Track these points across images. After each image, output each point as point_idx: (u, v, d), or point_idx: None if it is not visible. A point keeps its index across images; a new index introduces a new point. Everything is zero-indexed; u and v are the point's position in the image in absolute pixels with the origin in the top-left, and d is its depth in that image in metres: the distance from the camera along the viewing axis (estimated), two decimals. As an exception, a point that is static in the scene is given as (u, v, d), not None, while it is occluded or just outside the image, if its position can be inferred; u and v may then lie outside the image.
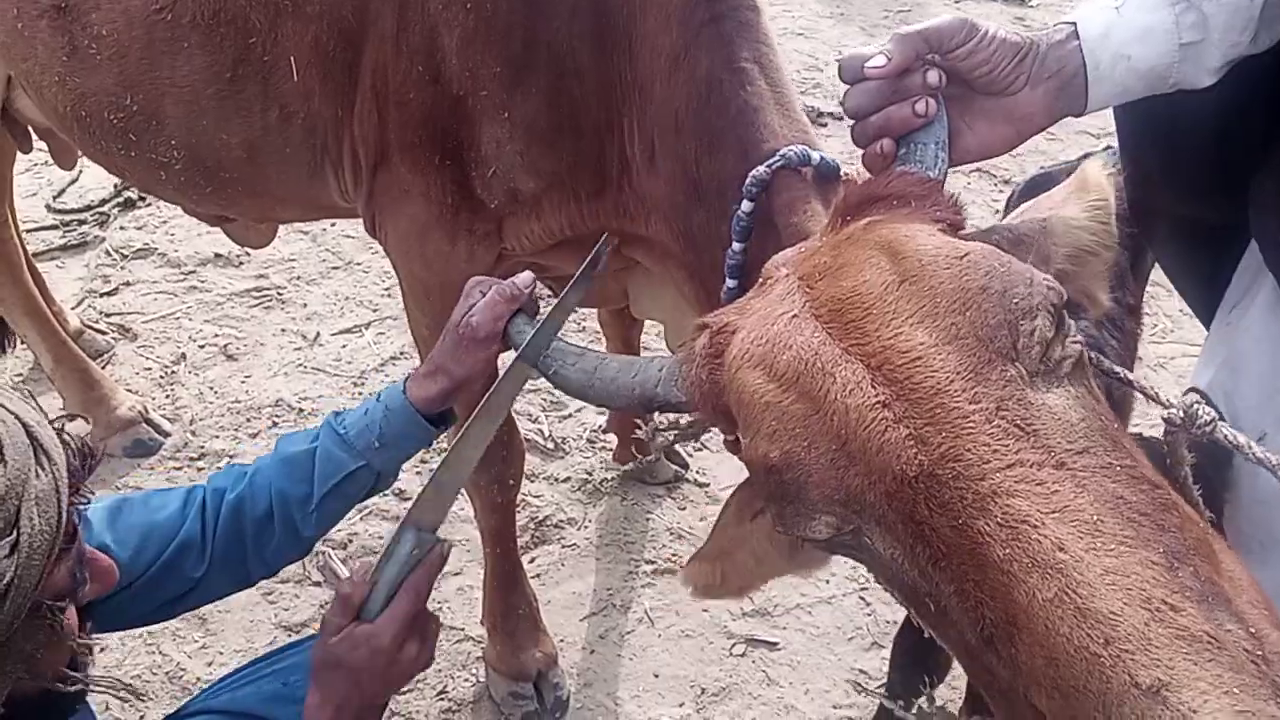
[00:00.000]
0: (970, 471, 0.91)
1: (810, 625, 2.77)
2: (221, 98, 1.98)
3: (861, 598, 2.84)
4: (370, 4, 1.82)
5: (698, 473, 3.15)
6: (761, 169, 1.49)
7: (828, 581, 2.84)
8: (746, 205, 1.52)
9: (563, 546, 2.97)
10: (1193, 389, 1.33)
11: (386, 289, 3.95)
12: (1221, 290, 1.54)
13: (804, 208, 1.47)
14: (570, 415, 3.35)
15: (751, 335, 1.12)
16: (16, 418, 1.16)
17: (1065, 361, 1.00)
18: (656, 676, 2.65)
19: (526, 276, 1.42)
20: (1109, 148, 2.34)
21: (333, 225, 4.22)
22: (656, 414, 1.47)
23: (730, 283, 1.62)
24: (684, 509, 3.06)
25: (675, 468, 3.12)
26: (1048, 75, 1.25)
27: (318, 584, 2.86)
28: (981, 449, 0.92)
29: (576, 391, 1.38)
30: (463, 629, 2.76)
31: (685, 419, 1.47)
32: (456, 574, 2.89)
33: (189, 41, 1.94)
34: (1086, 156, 2.16)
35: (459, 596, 2.84)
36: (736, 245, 1.56)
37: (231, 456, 3.24)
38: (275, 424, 3.37)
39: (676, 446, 3.17)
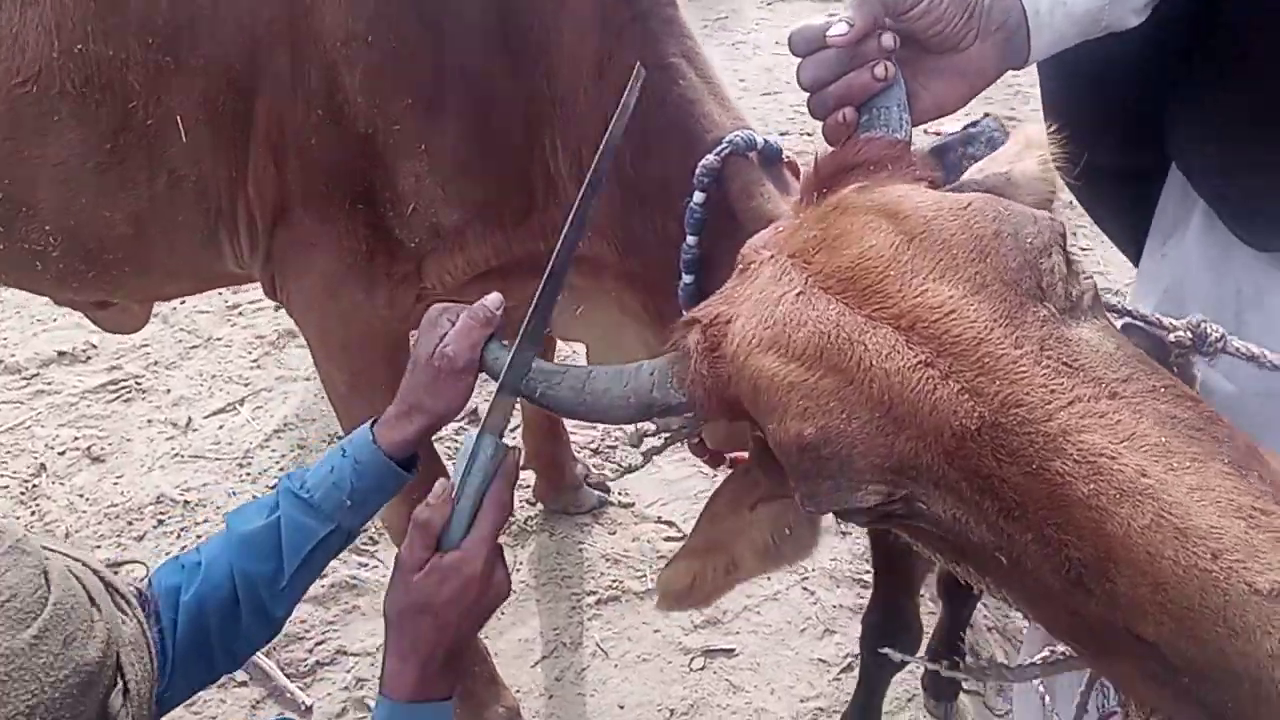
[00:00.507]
0: (1035, 415, 0.91)
1: (762, 625, 2.77)
2: (102, 171, 1.82)
3: (804, 588, 2.86)
4: (259, 49, 1.72)
5: (621, 494, 3.12)
6: (711, 158, 1.48)
7: (769, 579, 2.85)
8: (699, 196, 1.51)
9: (498, 594, 2.87)
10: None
11: (255, 361, 3.76)
12: (1145, 227, 1.64)
13: (760, 191, 1.48)
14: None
15: (754, 320, 1.10)
16: (86, 565, 1.07)
17: (1085, 296, 1.02)
18: (622, 708, 2.59)
19: (496, 298, 1.36)
20: (987, 115, 2.46)
21: (183, 303, 3.99)
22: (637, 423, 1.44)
23: (686, 279, 1.60)
24: (614, 533, 3.02)
25: (598, 494, 3.08)
26: (994, 28, 1.28)
27: (243, 684, 2.66)
28: (1040, 390, 0.93)
29: (568, 410, 1.32)
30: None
31: (673, 423, 1.44)
32: (393, 642, 2.75)
33: (59, 114, 1.78)
34: (971, 126, 2.27)
35: (401, 664, 2.69)
36: (690, 239, 1.55)
37: (118, 565, 2.99)
38: (161, 522, 3.13)
39: (594, 472, 3.14)
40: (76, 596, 1.03)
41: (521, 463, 1.65)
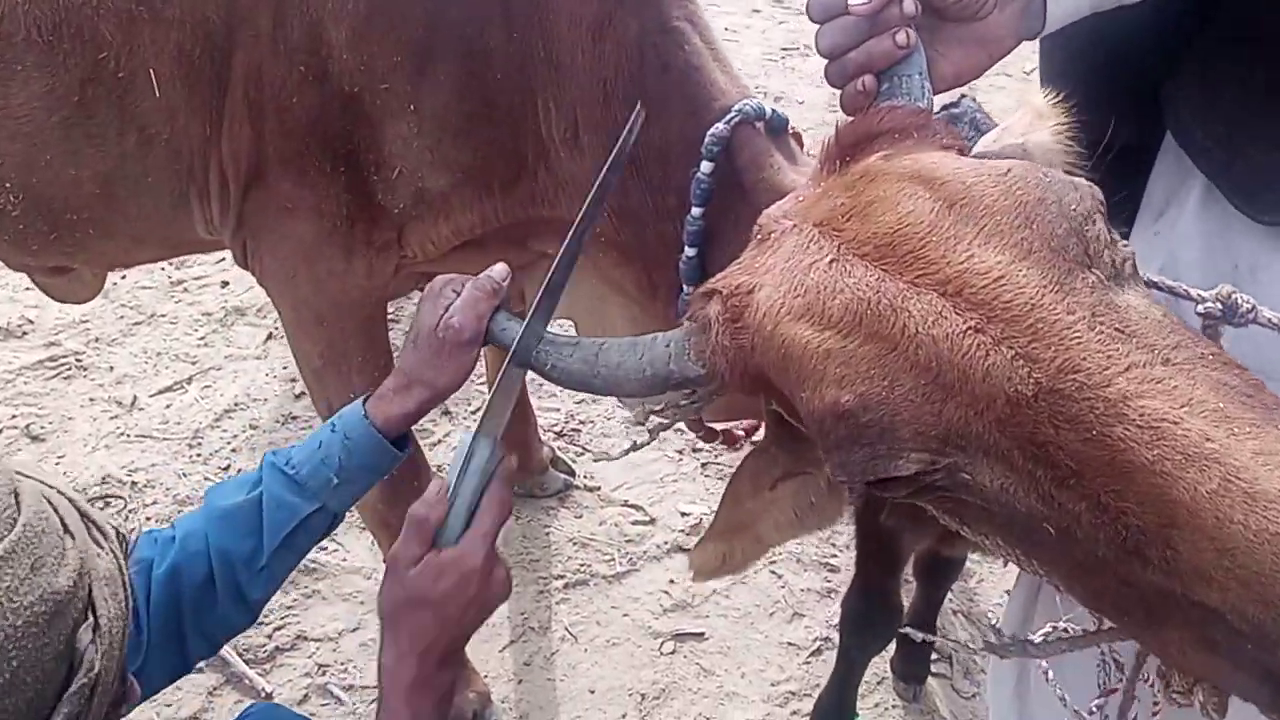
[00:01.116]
0: (1094, 380, 0.90)
1: (731, 609, 2.75)
2: (68, 126, 1.71)
3: (773, 571, 2.85)
4: (240, 2, 1.63)
5: (586, 478, 3.07)
6: (721, 126, 1.44)
7: (738, 564, 2.83)
8: (707, 166, 1.47)
9: (463, 578, 2.80)
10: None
11: (202, 338, 3.63)
12: (1134, 203, 1.64)
13: (769, 161, 1.44)
14: (440, 441, 3.18)
15: (782, 289, 1.07)
16: (62, 494, 1.00)
17: (1126, 264, 1.01)
18: (592, 692, 2.55)
19: (502, 268, 1.31)
20: (964, 95, 2.46)
21: (124, 278, 3.82)
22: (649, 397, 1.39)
23: (689, 252, 1.56)
24: (580, 517, 2.97)
25: (564, 477, 3.02)
26: None
27: (200, 669, 2.55)
28: (1096, 356, 0.91)
29: (579, 383, 1.27)
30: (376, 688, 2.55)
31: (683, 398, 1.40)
32: (354, 630, 2.67)
33: (24, 63, 1.66)
34: (951, 107, 2.26)
35: (363, 653, 2.62)
36: (696, 210, 1.51)
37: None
38: (107, 503, 3.00)
39: (560, 455, 3.08)
40: (48, 520, 0.96)
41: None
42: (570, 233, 1.28)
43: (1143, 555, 0.87)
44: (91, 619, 0.96)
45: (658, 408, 1.44)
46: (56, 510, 1.00)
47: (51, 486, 1.01)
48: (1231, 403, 0.89)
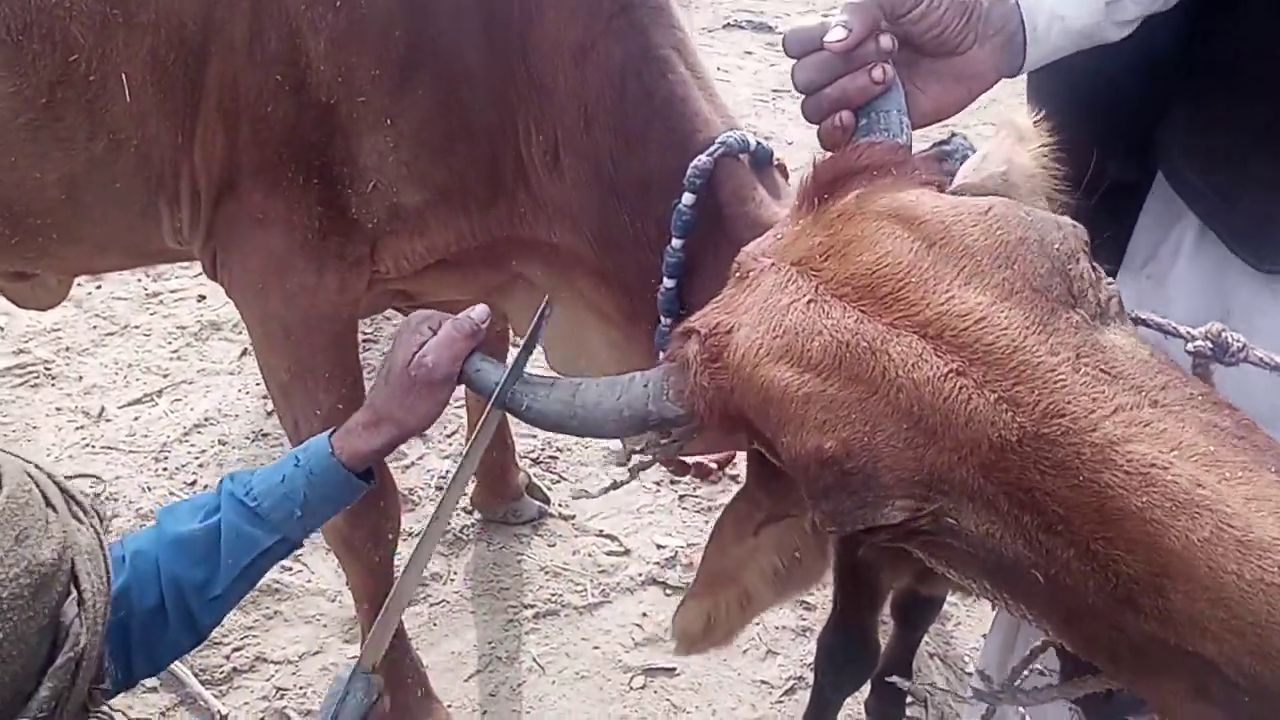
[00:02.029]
0: (1080, 425, 0.86)
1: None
2: (35, 128, 1.66)
3: (748, 609, 2.79)
4: (216, 9, 1.59)
5: (561, 506, 3.02)
6: (704, 158, 1.41)
7: (712, 598, 2.78)
8: (689, 198, 1.44)
9: (431, 605, 2.74)
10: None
11: (175, 351, 3.57)
12: (1122, 244, 1.61)
13: (753, 195, 1.41)
14: (413, 464, 3.12)
15: (761, 329, 1.04)
16: (42, 470, 1.02)
17: (1111, 302, 0.98)
18: (558, 726, 2.49)
19: (482, 310, 1.27)
20: (954, 134, 2.44)
21: (98, 288, 3.78)
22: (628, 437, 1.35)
23: (668, 283, 1.53)
24: (554, 546, 2.91)
25: (538, 504, 2.97)
26: (992, 32, 1.26)
27: (154, 689, 2.48)
28: (1082, 399, 0.88)
29: (555, 425, 1.23)
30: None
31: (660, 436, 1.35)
32: (315, 653, 2.60)
33: (-9, 63, 1.61)
34: (943, 144, 2.24)
35: (324, 677, 2.54)
36: (676, 241, 1.48)
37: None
38: (68, 514, 2.92)
39: (535, 481, 3.03)
40: (31, 494, 0.96)
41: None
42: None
43: (1134, 604, 0.85)
44: (75, 593, 0.97)
45: (638, 447, 1.40)
46: (38, 484, 1.01)
47: (30, 462, 1.02)
48: (1222, 445, 0.86)
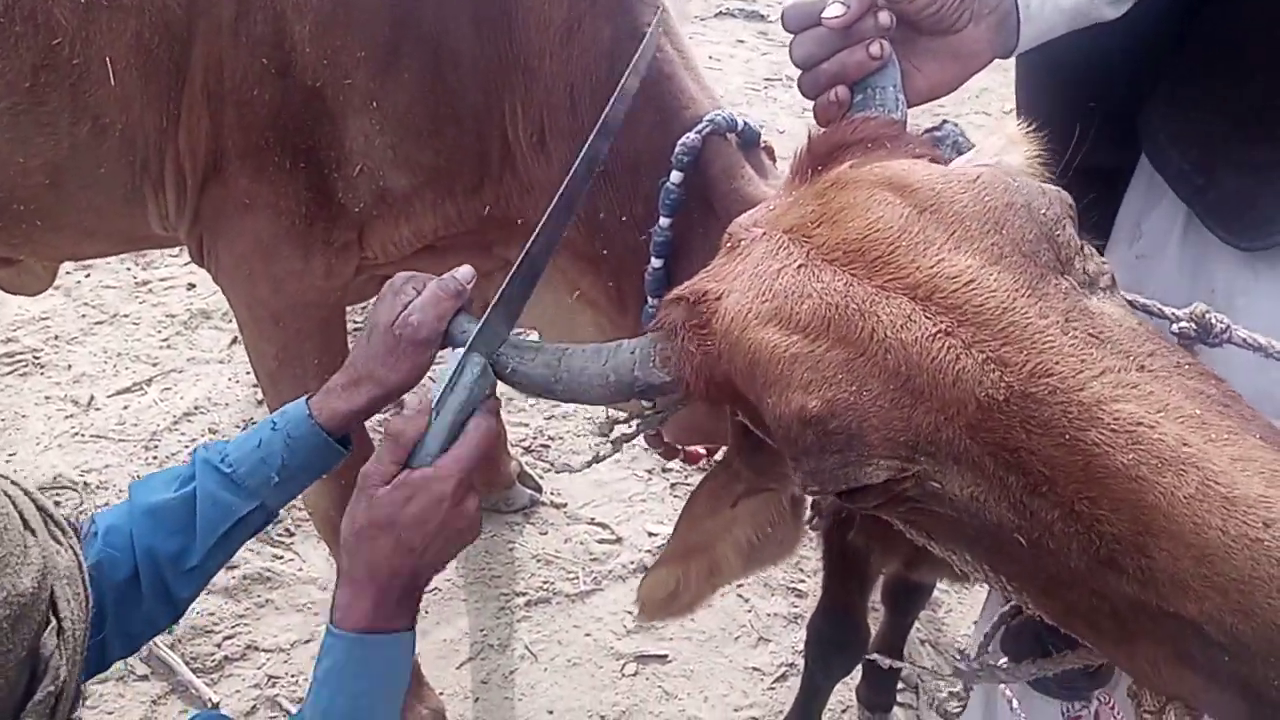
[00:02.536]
0: (1068, 384, 0.87)
1: (695, 631, 2.69)
2: (17, 113, 1.64)
3: (739, 595, 2.79)
4: (201, -11, 1.59)
5: (553, 494, 3.01)
6: (692, 136, 1.41)
7: (704, 585, 2.78)
8: (676, 176, 1.44)
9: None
10: None
11: (165, 340, 3.55)
12: (1108, 226, 1.62)
13: (741, 173, 1.41)
14: (406, 446, 3.11)
15: (750, 294, 1.04)
16: (18, 487, 0.97)
17: (1103, 277, 0.99)
18: (551, 713, 2.48)
19: (467, 270, 1.26)
20: (945, 120, 2.44)
21: (87, 276, 3.76)
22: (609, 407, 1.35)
23: (655, 263, 1.52)
24: (545, 534, 2.91)
25: (530, 492, 2.97)
26: (987, 11, 1.26)
27: (144, 678, 2.47)
28: (1070, 360, 0.88)
29: (540, 389, 1.22)
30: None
31: (647, 407, 1.35)
32: (307, 641, 2.59)
33: (-28, 47, 1.60)
34: (934, 130, 2.24)
35: (315, 665, 2.54)
36: (664, 221, 1.48)
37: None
38: (57, 504, 2.88)
39: (527, 470, 3.03)
40: (10, 518, 0.92)
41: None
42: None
43: (1117, 565, 0.85)
44: (55, 622, 0.93)
45: (622, 417, 1.40)
46: (16, 505, 0.97)
47: (5, 478, 0.98)
48: (1208, 410, 0.87)
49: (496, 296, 1.23)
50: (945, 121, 2.49)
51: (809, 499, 1.21)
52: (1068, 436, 0.85)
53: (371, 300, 3.10)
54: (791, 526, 1.21)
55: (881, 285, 0.97)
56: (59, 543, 0.98)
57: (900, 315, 0.94)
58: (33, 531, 0.94)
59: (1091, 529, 0.85)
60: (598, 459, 1.49)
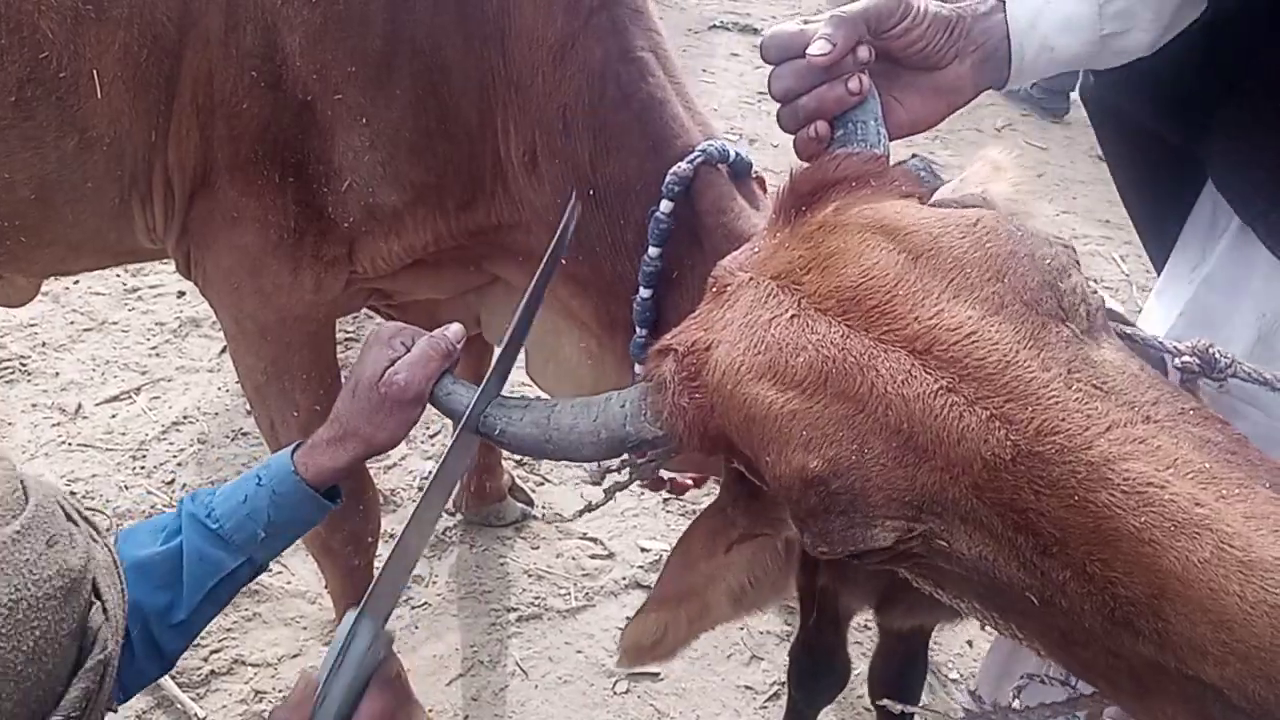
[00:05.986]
0: (1074, 442, 0.84)
1: (688, 650, 2.65)
2: (3, 127, 1.61)
3: (733, 613, 2.76)
4: (191, 3, 1.55)
5: (544, 508, 2.98)
6: (684, 165, 1.38)
7: (697, 602, 2.75)
8: (666, 205, 1.41)
9: (412, 608, 2.70)
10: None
11: (153, 348, 3.51)
12: (1174, 222, 1.58)
13: (732, 205, 1.38)
14: (395, 465, 3.08)
15: (741, 346, 1.00)
16: (57, 493, 1.05)
17: (1098, 314, 0.96)
18: (541, 731, 2.45)
19: (458, 329, 1.23)
20: (914, 155, 2.41)
21: (76, 283, 3.71)
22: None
23: (644, 293, 1.50)
24: (538, 548, 2.88)
25: (522, 506, 2.93)
26: (973, 48, 1.25)
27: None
28: (1076, 416, 0.85)
29: (532, 449, 1.19)
30: None
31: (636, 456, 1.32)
32: (295, 656, 2.56)
33: (-43, 59, 1.56)
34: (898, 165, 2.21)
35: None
36: (653, 250, 1.45)
37: None
38: (43, 514, 2.88)
39: (518, 483, 2.99)
40: (55, 506, 1.01)
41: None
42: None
43: (1132, 627, 0.82)
44: (99, 603, 1.01)
45: (614, 466, 1.37)
46: (58, 501, 1.04)
47: (43, 482, 1.06)
48: (1217, 461, 0.84)
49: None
50: (914, 155, 2.48)
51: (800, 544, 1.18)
52: (1077, 498, 0.82)
53: (361, 312, 3.08)
54: (782, 572, 1.18)
55: (879, 338, 0.93)
56: (94, 540, 1.05)
57: (900, 370, 0.91)
58: (75, 523, 1.02)
59: (1105, 591, 0.82)
60: (590, 508, 1.47)
